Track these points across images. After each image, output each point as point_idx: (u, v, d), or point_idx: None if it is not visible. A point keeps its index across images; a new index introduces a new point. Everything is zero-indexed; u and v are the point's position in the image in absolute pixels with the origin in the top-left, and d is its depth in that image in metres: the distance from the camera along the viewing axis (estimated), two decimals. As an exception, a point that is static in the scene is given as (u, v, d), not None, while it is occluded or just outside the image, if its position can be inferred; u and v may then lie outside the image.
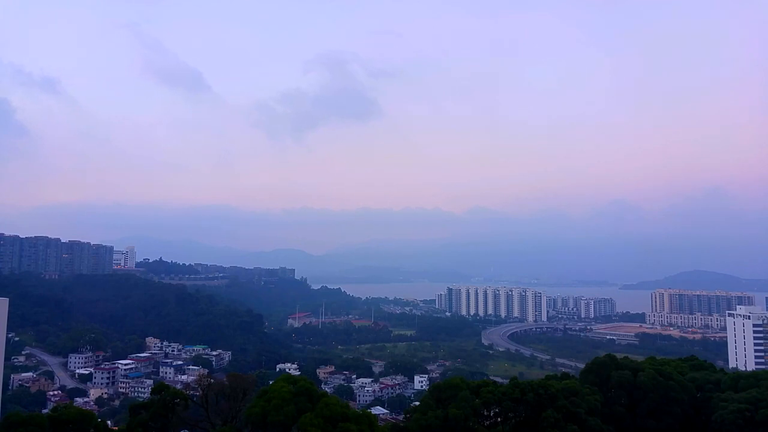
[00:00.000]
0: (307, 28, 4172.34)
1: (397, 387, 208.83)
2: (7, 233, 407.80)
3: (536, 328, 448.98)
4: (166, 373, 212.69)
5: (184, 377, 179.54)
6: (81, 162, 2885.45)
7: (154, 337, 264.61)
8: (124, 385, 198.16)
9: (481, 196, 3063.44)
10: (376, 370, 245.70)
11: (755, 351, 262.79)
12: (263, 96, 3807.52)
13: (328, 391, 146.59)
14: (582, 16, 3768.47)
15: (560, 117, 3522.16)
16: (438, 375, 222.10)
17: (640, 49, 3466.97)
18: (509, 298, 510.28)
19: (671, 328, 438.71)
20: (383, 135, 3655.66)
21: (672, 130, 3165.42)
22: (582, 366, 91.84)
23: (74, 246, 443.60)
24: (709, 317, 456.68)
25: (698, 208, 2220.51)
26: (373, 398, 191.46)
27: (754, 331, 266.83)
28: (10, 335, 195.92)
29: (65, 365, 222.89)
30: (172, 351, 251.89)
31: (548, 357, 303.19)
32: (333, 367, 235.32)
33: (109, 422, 67.71)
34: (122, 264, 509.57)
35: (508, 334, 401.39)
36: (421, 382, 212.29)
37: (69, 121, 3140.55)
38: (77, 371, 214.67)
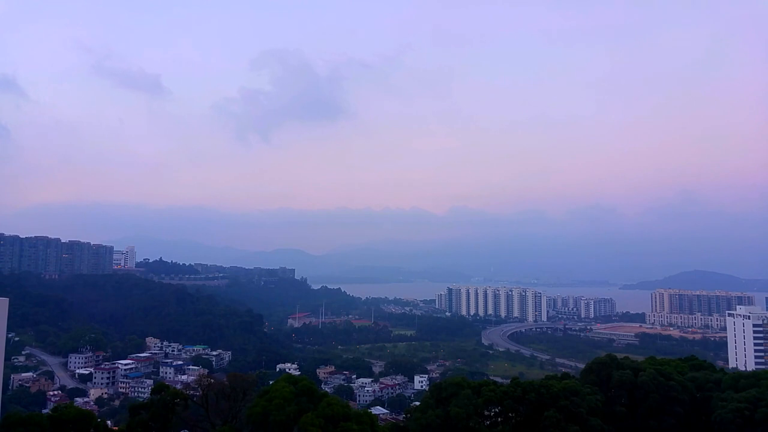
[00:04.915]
0: (268, 28, 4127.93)
1: (397, 387, 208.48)
2: (7, 233, 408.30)
3: (536, 328, 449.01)
4: (166, 373, 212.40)
5: (184, 377, 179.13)
6: (64, 161, 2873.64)
7: (154, 337, 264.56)
8: (124, 385, 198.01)
9: (459, 195, 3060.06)
10: (376, 370, 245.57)
11: (755, 351, 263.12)
12: (224, 98, 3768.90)
13: (329, 391, 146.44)
14: (565, 13, 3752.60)
15: (538, 116, 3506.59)
16: (438, 375, 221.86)
17: (629, 50, 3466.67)
18: (509, 298, 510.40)
19: (671, 328, 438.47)
20: (353, 134, 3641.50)
21: (658, 130, 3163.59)
22: (582, 366, 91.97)
23: (74, 246, 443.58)
24: (709, 317, 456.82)
25: (673, 206, 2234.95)
26: (373, 398, 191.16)
27: (754, 331, 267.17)
28: (10, 335, 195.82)
29: (65, 365, 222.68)
30: (172, 351, 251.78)
31: (548, 357, 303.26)
32: (333, 367, 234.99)
33: (109, 422, 67.67)
34: (122, 264, 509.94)
35: (508, 334, 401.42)
36: (421, 382, 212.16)
37: (39, 120, 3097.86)
38: (77, 371, 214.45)
